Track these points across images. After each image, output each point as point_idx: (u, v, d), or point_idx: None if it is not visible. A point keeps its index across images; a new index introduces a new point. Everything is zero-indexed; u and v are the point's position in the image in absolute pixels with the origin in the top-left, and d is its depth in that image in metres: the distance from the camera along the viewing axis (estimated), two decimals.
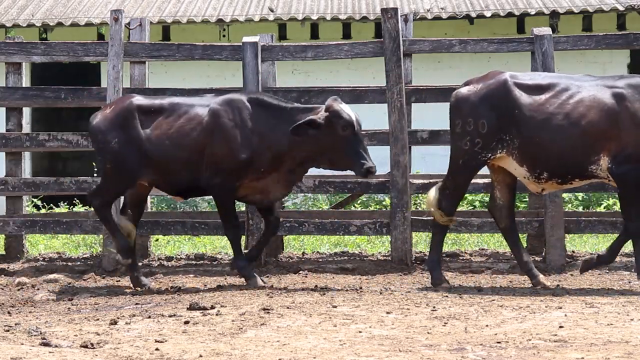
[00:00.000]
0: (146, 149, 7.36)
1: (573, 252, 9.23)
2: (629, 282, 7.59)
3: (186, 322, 5.78)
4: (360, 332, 5.45)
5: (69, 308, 6.64)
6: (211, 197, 12.46)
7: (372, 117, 10.90)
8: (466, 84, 7.42)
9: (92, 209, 7.89)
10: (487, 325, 5.64)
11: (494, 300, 6.68)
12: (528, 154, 7.06)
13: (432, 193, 7.41)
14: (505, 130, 7.09)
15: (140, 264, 8.76)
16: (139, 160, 7.37)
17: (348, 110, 7.20)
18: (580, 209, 12.31)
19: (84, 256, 9.39)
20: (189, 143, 7.33)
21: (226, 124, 7.31)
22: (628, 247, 9.77)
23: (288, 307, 6.34)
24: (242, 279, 7.51)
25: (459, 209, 12.31)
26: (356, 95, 8.76)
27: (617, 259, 8.75)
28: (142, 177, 7.44)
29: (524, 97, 7.10)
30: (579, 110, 6.99)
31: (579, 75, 7.31)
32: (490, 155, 7.17)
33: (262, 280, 7.46)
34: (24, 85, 9.23)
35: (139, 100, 7.55)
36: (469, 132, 7.16)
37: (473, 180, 8.63)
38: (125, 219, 7.62)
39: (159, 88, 9.00)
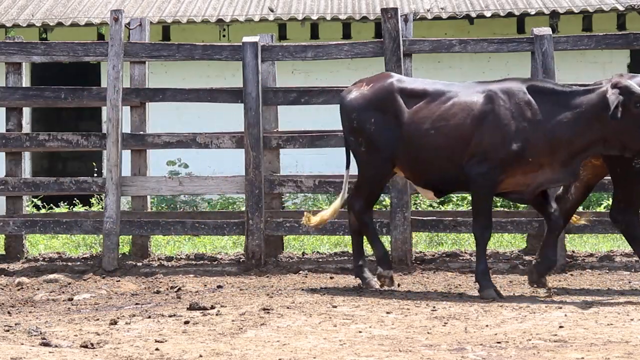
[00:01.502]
0: (405, 134, 7.01)
1: (573, 252, 9.24)
2: (629, 282, 7.60)
3: (186, 322, 5.78)
4: (360, 332, 5.45)
5: (69, 308, 6.64)
6: (211, 197, 12.37)
7: None
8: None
9: (351, 214, 7.46)
10: (487, 325, 5.64)
11: (494, 300, 6.68)
12: None
13: None
14: None
15: (140, 264, 8.79)
16: (395, 145, 7.04)
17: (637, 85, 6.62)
18: (580, 209, 12.29)
19: (84, 256, 9.39)
20: (456, 130, 6.87)
21: (502, 112, 6.80)
22: (628, 247, 9.78)
23: (288, 307, 6.34)
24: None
25: (459, 209, 12.38)
26: None
27: (617, 259, 8.77)
28: (395, 164, 7.13)
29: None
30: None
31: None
32: None
33: (498, 292, 6.85)
34: (24, 85, 9.23)
35: (400, 81, 7.21)
36: None
37: None
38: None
39: (159, 88, 9.01)
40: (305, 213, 7.77)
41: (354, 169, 7.44)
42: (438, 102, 7.01)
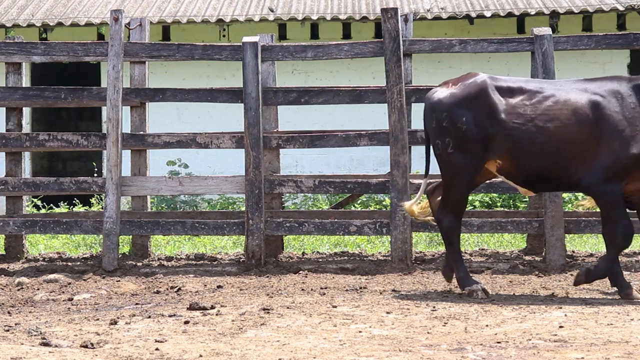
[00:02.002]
0: (502, 132, 6.83)
1: (573, 252, 9.24)
2: (629, 282, 7.58)
3: (186, 322, 5.78)
4: (360, 332, 5.45)
5: (69, 308, 6.64)
6: (211, 196, 12.37)
7: (372, 117, 10.94)
8: None
9: (439, 229, 7.26)
10: (487, 325, 5.64)
11: (494, 300, 6.68)
12: None
13: None
14: None
15: (140, 264, 8.79)
16: (487, 144, 6.86)
17: None
18: (580, 209, 12.30)
19: (84, 256, 9.39)
20: (562, 132, 6.72)
21: (611, 115, 6.67)
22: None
23: (288, 307, 6.35)
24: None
25: None
26: (356, 95, 8.75)
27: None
28: (488, 161, 6.95)
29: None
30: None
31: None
32: None
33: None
34: (24, 85, 9.23)
35: (494, 78, 7.07)
36: None
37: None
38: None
39: (159, 88, 9.01)
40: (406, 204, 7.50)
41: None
42: (538, 100, 6.87)
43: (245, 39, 8.73)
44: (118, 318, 5.98)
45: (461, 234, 10.09)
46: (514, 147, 6.83)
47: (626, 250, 9.10)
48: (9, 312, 6.44)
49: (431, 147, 7.15)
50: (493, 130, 6.87)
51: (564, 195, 9.74)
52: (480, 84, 6.97)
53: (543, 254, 8.64)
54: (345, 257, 9.04)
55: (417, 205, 7.36)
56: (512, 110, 6.88)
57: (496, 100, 6.91)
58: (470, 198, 12.60)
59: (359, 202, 12.42)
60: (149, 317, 6.04)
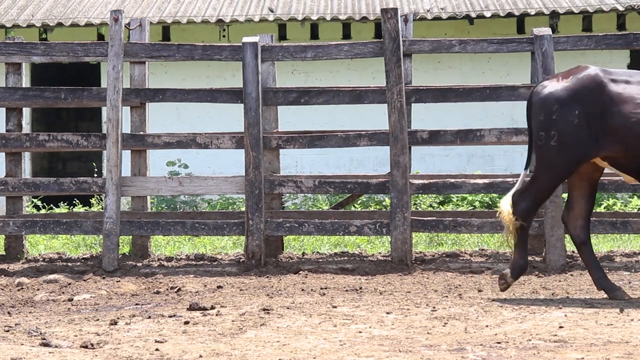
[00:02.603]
0: (617, 123, 6.70)
1: (573, 252, 9.23)
2: (629, 282, 7.60)
3: (186, 323, 5.78)
4: (360, 332, 5.45)
5: (69, 308, 6.64)
6: (211, 197, 12.36)
7: (372, 117, 10.94)
8: None
9: (508, 213, 7.01)
10: (487, 326, 5.64)
11: (494, 300, 6.68)
12: None
13: None
14: None
15: (140, 264, 8.79)
16: (598, 138, 6.74)
17: None
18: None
19: (84, 256, 9.39)
20: None
21: None
22: (628, 247, 9.79)
23: (288, 308, 6.35)
24: None
25: (459, 209, 12.39)
26: (356, 95, 8.76)
27: (617, 259, 8.77)
28: (597, 154, 6.83)
29: None
30: None
31: None
32: None
33: None
34: (23, 86, 9.24)
35: (606, 71, 6.93)
36: None
37: (473, 181, 8.67)
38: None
39: (159, 88, 9.01)
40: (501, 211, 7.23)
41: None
42: None
43: (245, 39, 8.73)
44: (118, 318, 5.98)
45: (461, 234, 10.15)
46: (631, 139, 6.75)
47: (626, 251, 9.10)
48: (9, 313, 6.44)
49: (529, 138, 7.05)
50: (608, 123, 6.78)
51: (564, 195, 9.73)
52: (594, 77, 6.86)
53: (543, 254, 8.64)
54: (345, 258, 9.04)
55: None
56: (630, 101, 6.80)
57: (612, 92, 6.81)
58: (470, 198, 12.63)
59: (359, 202, 12.42)
60: (149, 317, 6.04)
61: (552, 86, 6.92)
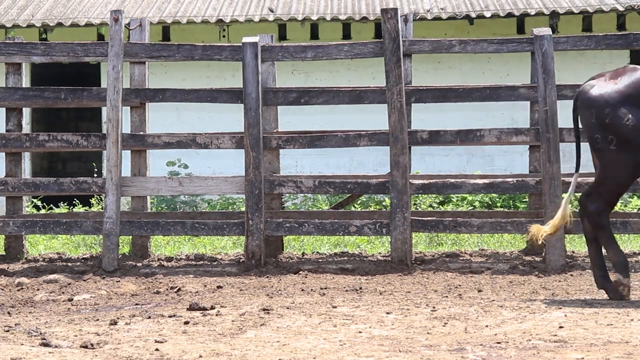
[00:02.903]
0: None
1: (573, 252, 9.24)
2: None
3: (186, 323, 5.78)
4: (360, 332, 5.45)
5: (69, 308, 6.64)
6: (211, 197, 12.36)
7: (372, 117, 10.94)
8: None
9: (585, 215, 6.86)
10: (487, 326, 5.64)
11: (494, 300, 6.68)
12: None
13: None
14: None
15: (139, 264, 8.79)
16: None
17: None
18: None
19: (84, 256, 9.39)
20: None
21: None
22: (628, 247, 9.78)
23: (288, 308, 6.35)
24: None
25: (459, 209, 12.39)
26: (356, 96, 8.76)
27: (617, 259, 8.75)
28: None
29: None
30: None
31: None
32: None
33: None
34: (23, 86, 9.24)
35: None
36: None
37: (473, 181, 8.67)
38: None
39: (159, 88, 9.01)
40: (533, 227, 7.15)
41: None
42: None
43: (245, 39, 8.74)
44: (118, 318, 5.98)
45: (461, 235, 10.15)
46: None
47: (626, 251, 9.10)
48: (9, 313, 6.44)
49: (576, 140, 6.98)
50: None
51: (563, 195, 9.72)
52: None
53: (543, 254, 8.64)
54: (345, 258, 9.04)
55: (566, 205, 7.04)
56: None
57: None
58: (470, 198, 12.63)
59: (358, 202, 12.43)
60: (149, 317, 6.04)
61: (601, 87, 6.77)
